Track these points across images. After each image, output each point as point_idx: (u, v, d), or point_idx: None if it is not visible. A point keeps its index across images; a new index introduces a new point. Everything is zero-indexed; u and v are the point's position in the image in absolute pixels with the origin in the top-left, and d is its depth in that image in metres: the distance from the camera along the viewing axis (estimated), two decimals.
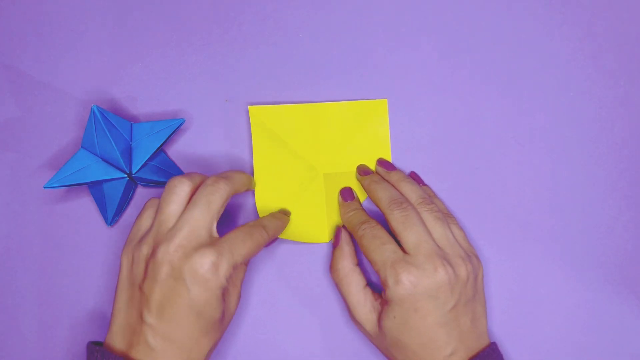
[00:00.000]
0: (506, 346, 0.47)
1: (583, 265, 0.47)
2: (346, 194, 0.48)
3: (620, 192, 0.47)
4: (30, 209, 0.49)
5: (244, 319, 0.47)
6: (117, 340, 0.40)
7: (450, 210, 0.48)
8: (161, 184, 0.48)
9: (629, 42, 0.48)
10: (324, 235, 0.48)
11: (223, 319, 0.41)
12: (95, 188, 0.47)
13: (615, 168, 0.47)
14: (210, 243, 0.39)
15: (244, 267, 0.43)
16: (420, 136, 0.48)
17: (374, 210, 0.48)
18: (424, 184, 0.47)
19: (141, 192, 0.49)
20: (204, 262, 0.38)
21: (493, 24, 0.48)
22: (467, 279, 0.41)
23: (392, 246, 0.41)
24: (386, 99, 0.48)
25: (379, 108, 0.48)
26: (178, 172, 0.48)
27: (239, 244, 0.40)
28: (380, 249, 0.41)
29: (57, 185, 0.45)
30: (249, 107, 0.48)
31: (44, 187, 0.45)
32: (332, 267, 0.45)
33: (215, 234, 0.40)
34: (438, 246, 0.41)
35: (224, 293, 0.40)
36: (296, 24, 0.49)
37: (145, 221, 0.42)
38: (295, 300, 0.48)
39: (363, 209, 0.46)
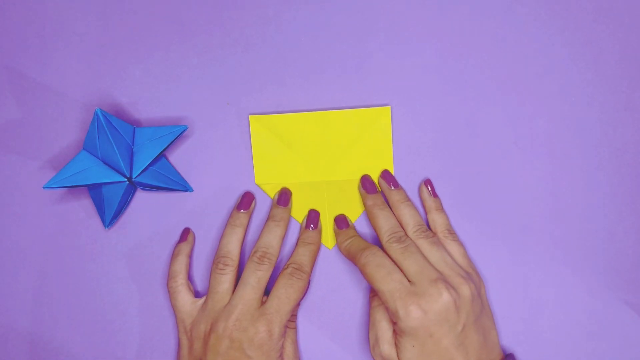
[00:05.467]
0: (506, 350, 0.46)
1: (584, 270, 0.47)
2: (341, 222, 0.48)
3: (622, 197, 0.47)
4: (29, 210, 0.49)
5: None
6: None
7: (453, 215, 0.48)
8: (161, 189, 0.47)
9: (630, 46, 0.48)
10: (327, 243, 0.48)
11: None
12: (94, 190, 0.47)
13: (617, 173, 0.47)
14: (261, 313, 0.43)
15: (294, 317, 0.47)
16: (422, 141, 0.48)
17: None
18: (436, 196, 0.47)
19: (140, 196, 0.49)
20: (259, 331, 0.43)
21: (495, 29, 0.49)
22: (472, 297, 0.42)
23: (397, 275, 0.42)
24: (389, 107, 0.48)
25: (382, 115, 0.48)
26: (178, 177, 0.48)
27: (284, 302, 0.44)
28: (387, 279, 0.42)
29: (56, 186, 0.45)
30: (250, 116, 0.48)
31: (44, 187, 0.44)
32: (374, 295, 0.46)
33: (263, 299, 0.45)
34: (438, 271, 0.43)
35: (281, 350, 0.44)
36: (298, 28, 0.49)
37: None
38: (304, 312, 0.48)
39: (359, 236, 0.47)
